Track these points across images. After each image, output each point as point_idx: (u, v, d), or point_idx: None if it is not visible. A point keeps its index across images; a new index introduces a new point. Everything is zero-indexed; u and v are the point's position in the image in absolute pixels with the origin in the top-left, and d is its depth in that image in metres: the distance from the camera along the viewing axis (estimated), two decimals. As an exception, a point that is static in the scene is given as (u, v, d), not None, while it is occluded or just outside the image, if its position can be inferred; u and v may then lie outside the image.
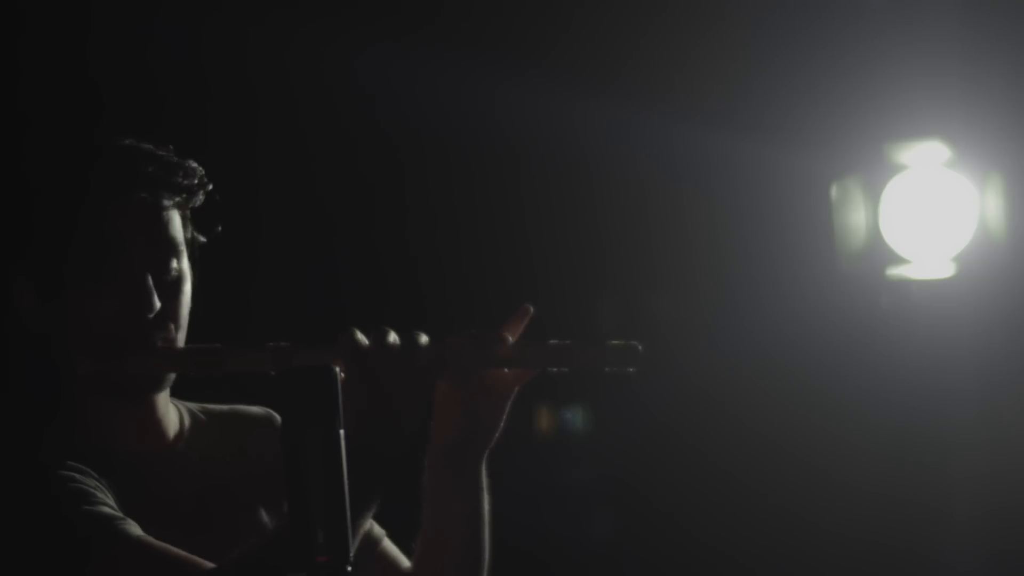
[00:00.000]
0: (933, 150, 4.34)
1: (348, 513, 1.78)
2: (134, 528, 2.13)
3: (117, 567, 2.10)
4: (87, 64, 3.64)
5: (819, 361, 4.26)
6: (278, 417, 2.38)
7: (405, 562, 2.40)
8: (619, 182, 4.25)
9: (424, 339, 2.22)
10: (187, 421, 2.37)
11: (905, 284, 4.36)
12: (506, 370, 2.35)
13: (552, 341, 2.33)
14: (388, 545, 2.43)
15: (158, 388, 2.30)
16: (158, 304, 2.23)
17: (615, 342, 2.31)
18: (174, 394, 2.36)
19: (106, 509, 2.15)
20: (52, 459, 2.19)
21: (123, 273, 2.23)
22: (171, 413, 2.34)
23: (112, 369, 2.22)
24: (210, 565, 2.11)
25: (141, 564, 2.11)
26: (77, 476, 2.17)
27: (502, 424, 2.35)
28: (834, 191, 4.38)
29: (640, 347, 2.32)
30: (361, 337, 2.19)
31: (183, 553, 2.12)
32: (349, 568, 1.77)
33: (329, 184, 4.08)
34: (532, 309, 2.38)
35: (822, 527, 4.28)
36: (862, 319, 4.34)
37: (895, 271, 4.36)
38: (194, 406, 2.41)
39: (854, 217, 4.38)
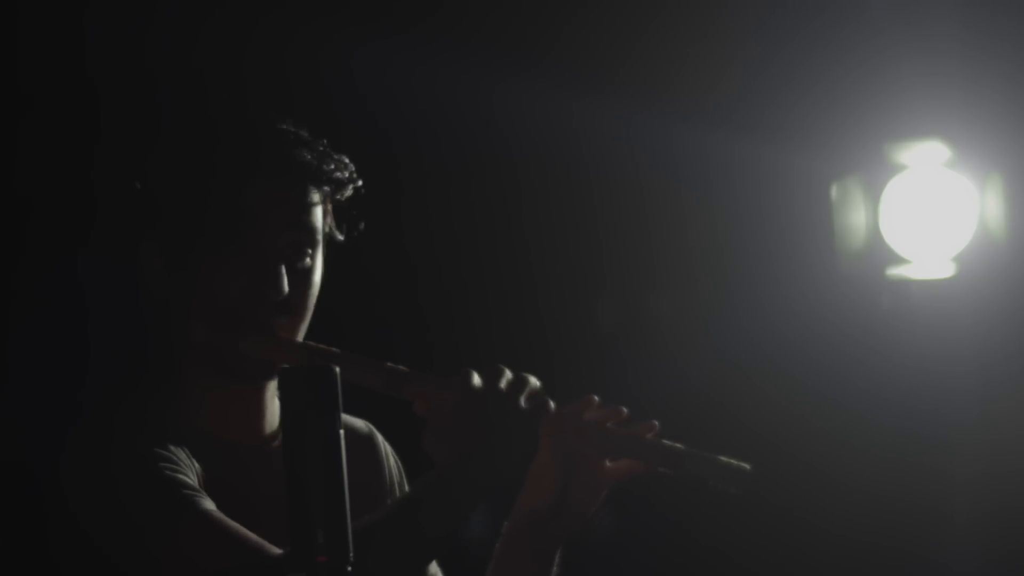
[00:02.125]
0: (933, 150, 4.34)
1: (348, 513, 1.78)
2: (209, 503, 2.12)
3: (188, 534, 2.09)
4: (83, 60, 3.64)
5: (819, 361, 4.25)
6: (379, 435, 2.38)
7: None
8: (619, 182, 4.25)
9: (535, 383, 2.23)
10: None
11: (905, 284, 4.36)
12: (608, 462, 2.31)
13: (665, 441, 2.30)
14: None
15: (267, 376, 2.26)
16: (286, 289, 2.21)
17: (726, 460, 2.30)
18: None
19: (188, 479, 2.13)
20: (149, 429, 2.17)
21: (257, 252, 2.21)
22: (274, 407, 2.30)
23: (225, 343, 2.20)
24: (278, 551, 2.08)
25: (210, 535, 2.10)
26: (169, 445, 2.15)
27: (591, 513, 2.33)
28: (834, 191, 4.38)
29: (748, 468, 2.31)
30: (477, 380, 2.19)
31: (252, 535, 2.10)
32: (349, 568, 1.76)
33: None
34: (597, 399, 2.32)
35: (822, 527, 4.28)
36: (862, 319, 4.34)
37: (895, 271, 4.35)
38: None
39: (854, 217, 4.38)
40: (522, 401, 2.19)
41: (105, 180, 3.19)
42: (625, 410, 2.32)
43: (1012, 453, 4.29)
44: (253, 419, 2.28)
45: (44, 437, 2.17)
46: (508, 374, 2.21)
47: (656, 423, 2.33)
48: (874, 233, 4.35)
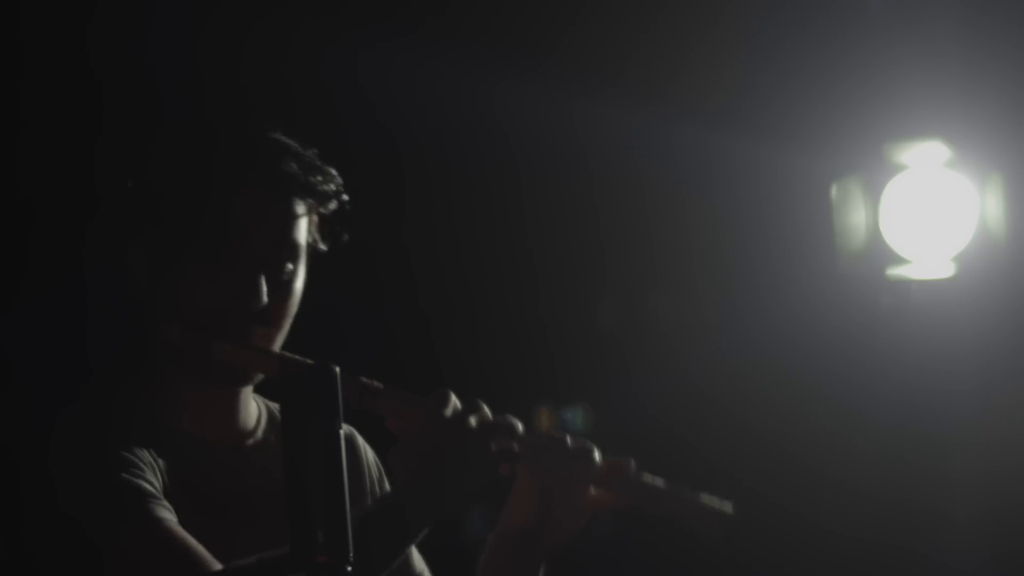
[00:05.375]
0: (933, 150, 4.34)
1: (348, 513, 1.78)
2: (163, 511, 2.14)
3: (134, 540, 2.11)
4: (88, 59, 3.64)
5: (819, 361, 4.26)
6: (359, 437, 2.40)
7: None
8: (619, 182, 4.25)
9: (513, 427, 2.22)
10: (264, 419, 2.37)
11: (905, 284, 4.36)
12: (587, 489, 2.32)
13: (647, 477, 2.29)
14: None
15: (241, 383, 2.30)
16: (265, 300, 2.23)
17: (707, 501, 2.29)
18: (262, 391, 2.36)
19: (145, 484, 2.15)
20: (115, 428, 2.19)
21: (238, 262, 2.23)
22: (250, 408, 2.34)
23: (198, 347, 2.23)
24: (219, 566, 2.11)
25: (154, 544, 2.11)
26: (132, 447, 2.17)
27: (570, 534, 2.34)
28: (834, 191, 4.38)
29: (730, 512, 2.30)
30: (455, 404, 2.19)
31: (199, 548, 2.12)
32: (349, 568, 1.77)
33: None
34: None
35: (822, 527, 4.28)
36: (862, 319, 4.34)
37: (895, 271, 4.36)
38: (277, 406, 2.39)
39: (854, 217, 4.38)
40: (490, 444, 2.19)
41: (99, 177, 3.21)
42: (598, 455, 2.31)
43: (1011, 452, 4.29)
44: (228, 418, 2.31)
45: (20, 432, 2.19)
46: (484, 411, 2.21)
47: (632, 461, 2.33)
48: (874, 233, 4.35)
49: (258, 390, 2.37)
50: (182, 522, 2.16)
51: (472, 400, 2.21)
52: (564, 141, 4.20)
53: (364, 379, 2.24)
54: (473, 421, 2.19)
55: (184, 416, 2.27)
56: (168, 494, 2.18)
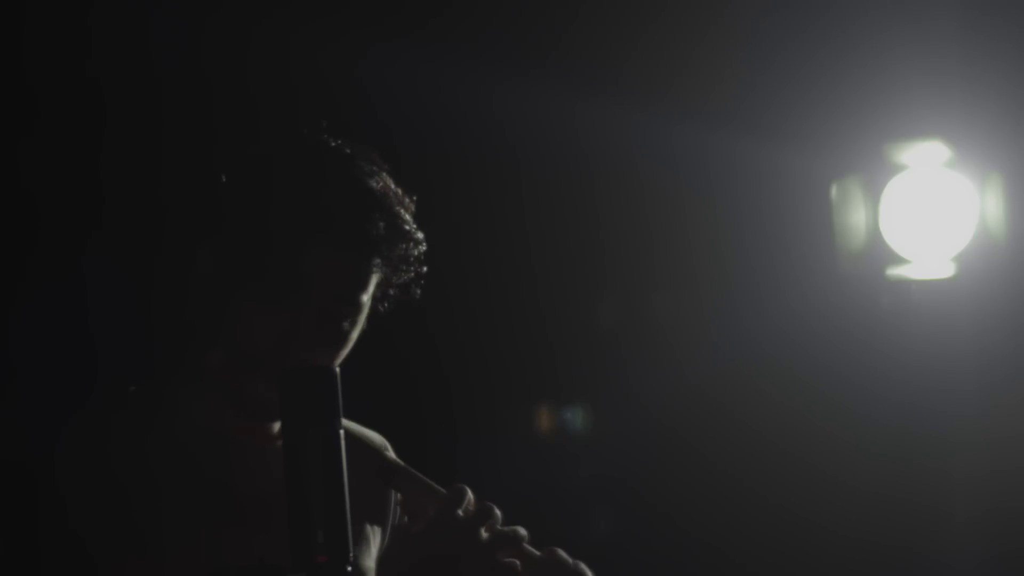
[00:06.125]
0: (933, 150, 4.34)
1: (348, 513, 1.78)
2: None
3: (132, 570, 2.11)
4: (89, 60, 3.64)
5: (819, 361, 4.26)
6: (390, 448, 2.39)
7: None
8: (619, 182, 4.25)
9: (526, 538, 2.20)
10: None
11: (905, 284, 4.36)
12: None
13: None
14: None
15: (268, 419, 2.26)
16: (313, 351, 2.19)
17: None
18: None
19: (121, 526, 2.14)
20: (124, 441, 2.18)
21: (297, 311, 2.18)
22: None
23: (237, 382, 2.20)
24: None
25: None
26: (148, 456, 2.16)
27: None
28: (834, 191, 4.38)
29: None
30: (469, 504, 2.16)
31: None
32: (349, 568, 1.77)
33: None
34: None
35: (822, 527, 4.28)
36: (862, 319, 4.34)
37: (895, 271, 4.36)
38: None
39: (854, 217, 4.38)
40: (495, 560, 2.16)
41: (182, 177, 3.18)
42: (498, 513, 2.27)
43: (1012, 452, 4.29)
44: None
45: (39, 437, 2.19)
46: (495, 519, 2.17)
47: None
48: (874, 233, 4.35)
49: None
50: (202, 521, 2.16)
51: (485, 505, 2.18)
52: (564, 141, 4.20)
53: (389, 455, 2.25)
54: (484, 533, 2.16)
55: (217, 412, 2.25)
56: (188, 492, 2.18)
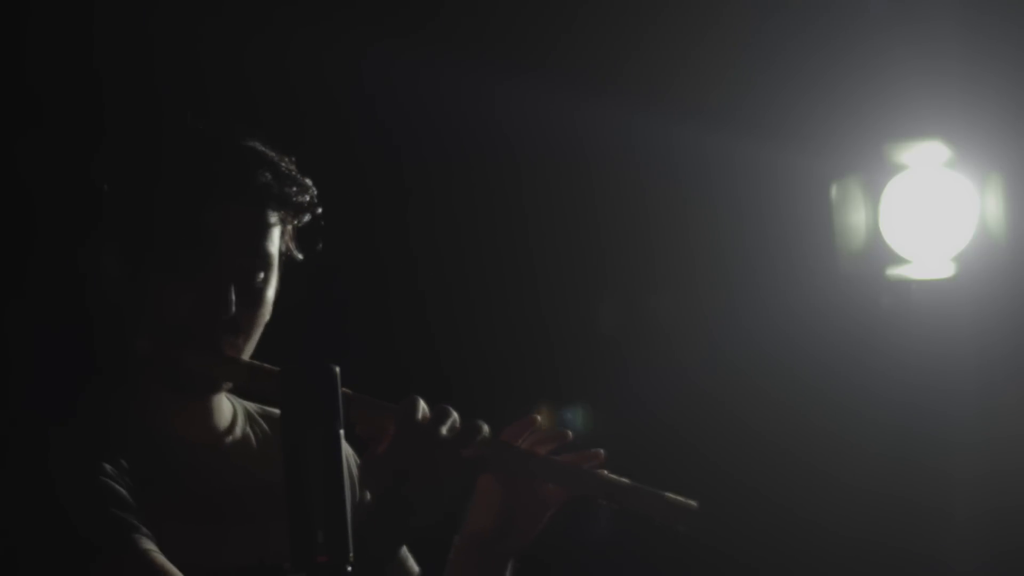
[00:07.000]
0: (933, 150, 4.34)
1: (348, 513, 1.78)
2: (145, 542, 2.14)
3: (118, 568, 2.11)
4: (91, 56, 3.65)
5: (819, 361, 4.25)
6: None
7: None
8: (619, 182, 4.25)
9: (484, 430, 2.23)
10: (240, 418, 2.38)
11: (905, 284, 4.36)
12: (551, 485, 2.32)
13: (608, 475, 2.29)
14: None
15: (212, 391, 2.30)
16: (233, 310, 2.23)
17: (672, 497, 2.29)
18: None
19: (128, 516, 2.15)
20: (95, 443, 2.19)
21: (208, 272, 2.23)
22: (224, 408, 2.35)
23: (170, 358, 2.23)
24: None
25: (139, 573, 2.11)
26: (109, 469, 2.17)
27: (537, 532, 2.34)
28: (834, 191, 4.38)
29: (695, 506, 2.30)
30: (425, 411, 2.19)
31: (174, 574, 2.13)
32: (349, 568, 1.77)
33: (328, 183, 4.08)
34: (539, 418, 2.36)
35: (822, 527, 4.28)
36: (862, 319, 4.34)
37: (895, 271, 4.36)
38: (252, 406, 2.41)
39: (854, 217, 4.38)
40: (461, 454, 2.20)
41: (73, 178, 3.20)
42: (570, 434, 2.31)
43: (1012, 452, 4.29)
44: (201, 419, 2.33)
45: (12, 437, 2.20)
46: (454, 418, 2.21)
47: (602, 452, 2.33)
48: (874, 233, 4.35)
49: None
50: (174, 525, 2.17)
51: (441, 407, 2.22)
52: (564, 141, 4.20)
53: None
54: (444, 430, 2.19)
55: (161, 416, 2.28)
56: (157, 499, 2.19)
